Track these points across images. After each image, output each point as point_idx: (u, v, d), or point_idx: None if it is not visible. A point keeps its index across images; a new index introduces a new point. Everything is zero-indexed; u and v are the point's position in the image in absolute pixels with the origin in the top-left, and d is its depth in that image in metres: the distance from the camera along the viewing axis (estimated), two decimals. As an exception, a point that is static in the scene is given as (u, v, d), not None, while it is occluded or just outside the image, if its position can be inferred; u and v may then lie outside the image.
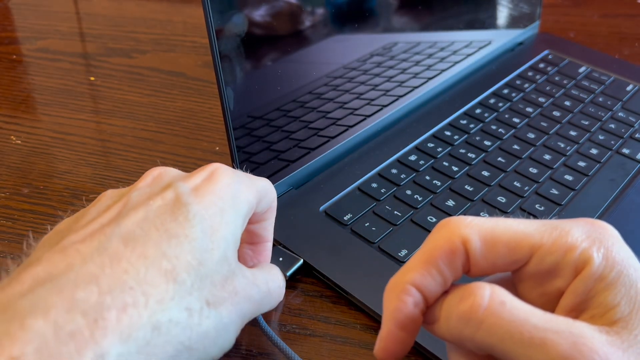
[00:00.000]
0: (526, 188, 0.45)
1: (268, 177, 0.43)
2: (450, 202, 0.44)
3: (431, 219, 0.42)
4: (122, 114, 0.53)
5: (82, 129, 0.51)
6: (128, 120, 0.53)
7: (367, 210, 0.43)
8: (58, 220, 0.42)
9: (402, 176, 0.46)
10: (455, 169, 0.47)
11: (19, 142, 0.49)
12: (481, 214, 0.43)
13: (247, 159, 0.42)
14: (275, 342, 0.34)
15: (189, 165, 0.48)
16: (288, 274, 0.38)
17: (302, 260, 0.39)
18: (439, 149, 0.49)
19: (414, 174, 0.46)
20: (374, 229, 0.41)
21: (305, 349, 0.35)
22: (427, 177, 0.46)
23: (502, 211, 0.43)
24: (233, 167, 0.39)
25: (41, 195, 0.44)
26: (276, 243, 0.40)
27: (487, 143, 0.50)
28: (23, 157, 0.47)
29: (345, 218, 0.42)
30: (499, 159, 0.48)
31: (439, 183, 0.45)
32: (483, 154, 0.49)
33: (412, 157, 0.48)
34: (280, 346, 0.33)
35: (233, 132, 0.39)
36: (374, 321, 0.37)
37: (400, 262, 0.39)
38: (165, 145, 0.50)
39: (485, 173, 0.47)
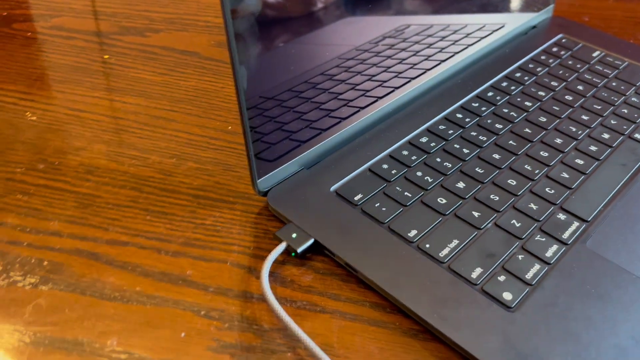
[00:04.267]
0: (537, 171, 0.45)
1: (280, 157, 0.44)
2: (461, 184, 0.44)
3: (441, 200, 0.42)
4: (135, 92, 0.54)
5: (96, 106, 0.52)
6: (142, 98, 0.53)
7: (378, 191, 0.43)
8: (74, 196, 0.43)
9: (413, 158, 0.46)
10: (466, 151, 0.47)
11: (34, 118, 0.50)
12: (491, 196, 0.43)
13: (259, 139, 0.42)
14: (282, 318, 0.34)
15: (201, 143, 0.48)
16: (299, 250, 0.38)
17: (312, 239, 0.39)
18: (450, 132, 0.49)
19: (425, 156, 0.46)
20: (384, 209, 0.41)
21: (315, 325, 0.35)
22: (438, 159, 0.46)
23: (512, 194, 0.43)
24: (246, 146, 0.39)
25: (56, 170, 0.45)
26: (288, 221, 0.40)
27: (498, 126, 0.50)
28: (38, 134, 0.48)
29: (355, 198, 0.42)
30: (510, 142, 0.48)
31: (449, 165, 0.45)
32: (494, 137, 0.49)
33: (423, 139, 0.48)
34: (287, 323, 0.34)
35: (246, 111, 0.39)
36: (382, 299, 0.37)
37: (410, 242, 0.39)
38: (179, 123, 0.50)
39: (496, 156, 0.47)
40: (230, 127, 0.50)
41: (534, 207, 0.42)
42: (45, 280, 0.37)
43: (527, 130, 0.50)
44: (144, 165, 0.46)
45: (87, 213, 0.42)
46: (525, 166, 0.46)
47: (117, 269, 0.38)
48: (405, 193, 0.43)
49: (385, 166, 0.45)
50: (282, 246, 0.39)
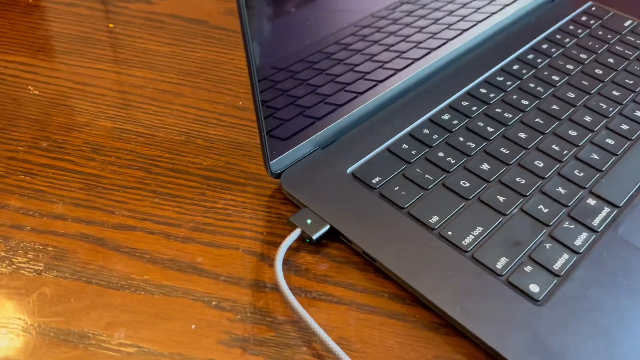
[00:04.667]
0: (565, 152, 0.43)
1: (293, 135, 0.42)
2: (485, 166, 0.41)
3: (464, 183, 0.40)
4: (142, 64, 0.51)
5: (101, 79, 0.49)
6: (148, 70, 0.51)
7: (397, 173, 0.41)
8: (79, 177, 0.41)
9: (434, 137, 0.43)
10: (490, 129, 0.44)
11: (37, 92, 0.48)
12: (517, 179, 0.41)
13: (271, 114, 0.40)
14: (296, 310, 0.33)
15: (211, 120, 0.46)
16: (314, 237, 0.37)
17: (328, 226, 0.37)
18: (474, 108, 0.46)
19: (447, 135, 0.44)
20: (403, 193, 0.39)
21: (331, 318, 0.34)
22: (461, 139, 0.44)
23: (539, 176, 0.41)
24: (257, 123, 0.37)
25: (60, 149, 0.43)
26: (302, 205, 0.38)
27: (524, 102, 0.47)
28: (41, 109, 0.46)
29: (373, 181, 0.40)
30: (537, 120, 0.46)
31: (473, 145, 0.43)
32: (520, 114, 0.46)
33: (445, 117, 0.45)
34: (302, 316, 0.32)
35: (258, 84, 0.37)
36: (402, 289, 0.35)
37: (431, 229, 0.37)
38: (187, 98, 0.48)
39: (522, 135, 0.44)
40: (241, 102, 0.48)
41: (562, 192, 0.40)
42: (49, 268, 0.35)
43: (554, 107, 0.47)
44: (152, 144, 0.44)
45: (93, 195, 0.40)
46: (553, 146, 0.43)
47: (124, 256, 0.36)
48: (426, 175, 0.40)
49: (404, 146, 0.43)
50: (296, 233, 0.37)
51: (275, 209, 0.40)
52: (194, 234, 0.38)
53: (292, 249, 0.37)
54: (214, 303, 0.34)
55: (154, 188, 0.40)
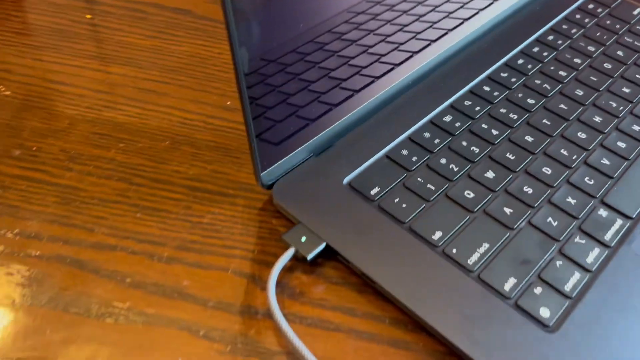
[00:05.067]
0: (574, 157, 0.40)
1: (285, 140, 0.39)
2: (490, 174, 0.39)
3: (468, 194, 0.38)
4: (122, 60, 0.48)
5: (79, 77, 0.46)
6: (129, 67, 0.47)
7: (397, 182, 0.38)
8: (54, 189, 0.38)
9: (436, 141, 0.41)
10: (494, 132, 0.42)
11: (8, 93, 0.44)
12: (524, 188, 0.38)
13: (261, 114, 0.37)
14: (292, 342, 0.30)
15: (197, 123, 0.43)
16: (309, 257, 0.34)
17: (324, 244, 0.35)
18: (477, 108, 0.43)
19: (449, 139, 0.41)
20: (404, 205, 0.37)
21: (328, 347, 0.31)
22: (464, 143, 0.41)
23: (548, 184, 0.38)
24: (247, 130, 0.34)
25: (34, 158, 0.40)
26: (296, 221, 0.36)
27: (530, 101, 0.44)
28: (14, 112, 0.43)
29: (372, 192, 0.37)
30: (544, 121, 0.43)
31: (476, 150, 0.40)
32: (526, 115, 0.43)
33: (447, 118, 0.43)
34: (297, 347, 0.30)
35: (245, 78, 0.33)
36: (403, 314, 0.33)
37: (434, 246, 0.35)
38: (171, 98, 0.45)
39: (528, 138, 0.41)
40: (229, 102, 0.45)
41: (572, 202, 0.38)
42: (23, 295, 0.33)
43: (562, 106, 0.44)
44: (133, 151, 0.41)
45: (70, 210, 0.37)
46: (562, 151, 0.41)
47: (104, 279, 0.34)
48: (428, 185, 0.38)
49: (404, 152, 0.40)
50: (290, 252, 0.34)
51: (267, 223, 0.37)
52: (179, 253, 0.35)
53: (285, 269, 0.35)
54: (201, 333, 0.32)
55: (136, 201, 0.38)
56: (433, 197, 0.37)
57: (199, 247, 0.35)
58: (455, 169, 0.39)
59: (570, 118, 0.43)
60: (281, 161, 0.38)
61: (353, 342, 0.32)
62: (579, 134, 0.42)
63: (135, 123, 0.43)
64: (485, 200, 0.37)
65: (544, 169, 0.40)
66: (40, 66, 0.47)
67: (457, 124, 0.42)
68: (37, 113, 0.43)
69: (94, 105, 0.44)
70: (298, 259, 0.35)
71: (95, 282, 0.33)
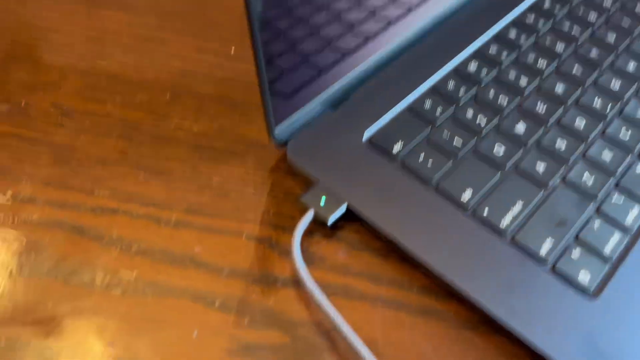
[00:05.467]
0: (608, 108, 0.38)
1: (299, 90, 0.35)
2: (520, 127, 0.36)
3: (498, 150, 0.35)
4: (116, 3, 0.44)
5: (68, 23, 0.42)
6: (123, 11, 0.43)
7: (421, 138, 0.35)
8: (46, 147, 0.35)
9: (461, 92, 0.38)
10: (523, 82, 0.39)
11: (-8, 42, 0.40)
12: (557, 142, 0.35)
13: (273, 63, 0.34)
14: (324, 310, 0.28)
15: (199, 73, 0.39)
16: (330, 220, 0.31)
17: (345, 205, 0.32)
18: (504, 55, 0.40)
19: (475, 89, 0.38)
20: (429, 163, 0.34)
21: (355, 317, 0.29)
22: (491, 94, 0.38)
23: (581, 139, 0.36)
24: (259, 78, 0.31)
25: (23, 113, 0.36)
26: (314, 180, 0.33)
27: (559, 47, 0.41)
28: (-2, 63, 0.39)
29: (394, 149, 0.34)
30: (575, 69, 0.40)
31: (505, 101, 0.37)
32: (555, 62, 0.40)
33: (472, 66, 0.39)
34: (330, 316, 0.28)
35: (258, 22, 0.30)
36: (432, 281, 0.31)
37: (464, 208, 0.32)
38: (170, 46, 0.41)
39: (559, 88, 0.38)
40: (233, 50, 0.41)
41: (608, 157, 0.35)
42: (21, 264, 0.30)
43: (592, 55, 0.41)
44: (132, 105, 0.37)
45: (66, 171, 0.34)
46: (595, 101, 0.38)
47: (107, 247, 0.31)
48: (455, 141, 0.35)
49: (427, 104, 0.37)
50: (309, 215, 0.32)
51: (280, 183, 0.34)
52: (188, 216, 0.32)
53: (303, 233, 0.32)
54: (217, 303, 0.29)
55: (138, 160, 0.35)
56: (460, 154, 0.34)
57: (209, 210, 0.33)
58: (483, 123, 0.36)
59: (603, 66, 0.40)
60: (296, 115, 0.35)
61: (380, 312, 0.30)
62: (612, 83, 0.39)
63: (131, 74, 0.39)
64: (516, 157, 0.35)
65: (577, 121, 0.37)
66: (24, 11, 0.43)
67: (483, 73, 0.39)
68: (24, 64, 0.39)
69: (85, 55, 0.40)
70: (316, 222, 0.32)
71: (97, 250, 0.31)
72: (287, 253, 0.31)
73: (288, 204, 0.33)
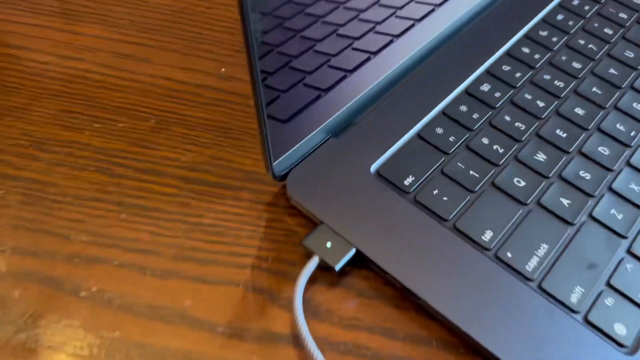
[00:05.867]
0: (632, 133, 0.35)
1: (298, 114, 0.32)
2: (540, 156, 0.33)
3: (518, 182, 0.32)
4: (92, 16, 0.40)
5: (41, 40, 0.38)
6: (101, 26, 0.39)
7: (434, 169, 0.32)
8: (17, 184, 0.31)
9: (475, 116, 0.34)
10: (541, 104, 0.36)
11: (-46, 61, 0.36)
12: (581, 172, 0.32)
13: (271, 88, 0.31)
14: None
15: (187, 95, 0.36)
16: (337, 267, 0.28)
17: (354, 250, 0.29)
18: (517, 75, 0.37)
19: (489, 113, 0.35)
20: (445, 198, 0.31)
21: (367, 381, 0.26)
22: (507, 118, 0.35)
23: (607, 168, 0.33)
24: (256, 107, 0.27)
25: (-10, 144, 0.32)
26: (317, 220, 0.30)
27: (592, 49, 0.38)
28: (-39, 85, 0.35)
29: (405, 182, 0.31)
30: (593, 89, 0.37)
31: (522, 127, 0.34)
32: (573, 83, 0.37)
33: (485, 87, 0.36)
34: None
35: (257, 45, 0.26)
36: (453, 334, 0.28)
37: (485, 248, 0.29)
38: (153, 65, 0.37)
39: (579, 111, 0.36)
40: (224, 69, 0.38)
41: (637, 189, 0.32)
42: (-15, 325, 0.26)
43: (612, 71, 0.38)
44: (112, 133, 0.34)
45: (38, 211, 0.30)
46: (617, 125, 0.35)
47: (86, 303, 0.27)
48: (471, 172, 0.32)
49: (439, 130, 0.34)
50: (314, 261, 0.28)
51: (280, 222, 0.31)
52: (177, 264, 0.29)
53: (307, 282, 0.29)
54: (212, 368, 0.26)
55: (120, 198, 0.31)
56: (478, 187, 0.31)
57: (200, 256, 0.29)
58: (501, 151, 0.33)
59: (622, 86, 0.37)
60: (296, 146, 0.31)
61: (396, 373, 0.26)
62: (634, 103, 0.36)
63: (112, 97, 0.35)
64: (538, 189, 0.32)
65: (600, 149, 0.34)
66: (-9, 26, 0.39)
67: (497, 94, 0.36)
68: (-10, 86, 0.35)
69: (60, 75, 0.36)
70: (321, 268, 0.29)
71: (74, 305, 0.27)
72: (289, 305, 0.28)
73: (289, 247, 0.30)
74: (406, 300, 0.28)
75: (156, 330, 0.27)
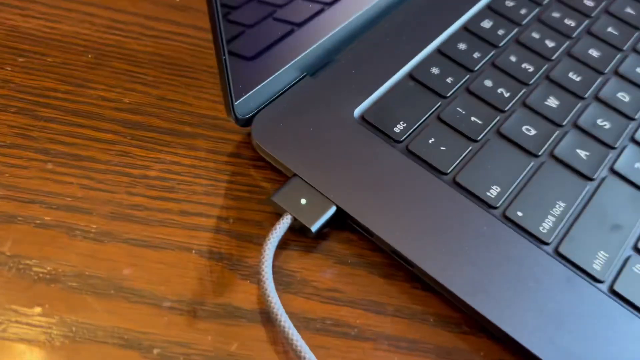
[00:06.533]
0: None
1: (266, 51, 0.26)
2: (552, 102, 0.28)
3: (528, 130, 0.27)
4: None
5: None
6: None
7: (430, 114, 0.27)
8: None
9: (475, 55, 0.29)
10: (551, 45, 0.31)
11: None
12: (598, 121, 0.28)
13: (232, 16, 0.25)
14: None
15: (133, 27, 0.30)
16: (314, 228, 0.23)
17: (334, 208, 0.23)
18: (523, 11, 0.32)
19: (493, 52, 0.30)
20: (442, 148, 0.26)
21: (350, 367, 0.21)
22: (513, 58, 0.30)
23: (628, 117, 0.28)
24: (212, 30, 0.22)
25: None
26: (289, 172, 0.24)
27: (589, 4, 0.33)
28: None
29: (395, 130, 0.26)
30: (609, 29, 0.32)
31: (530, 68, 0.29)
32: (587, 22, 0.32)
33: (486, 23, 0.31)
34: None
35: None
36: (452, 308, 0.23)
37: (491, 207, 0.24)
38: (95, -8, 0.31)
39: (594, 52, 0.31)
40: (178, -1, 0.32)
41: (663, 140, 0.28)
42: None
43: (609, 30, 0.33)
44: (40, 69, 0.28)
45: (-60, 160, 0.24)
46: (638, 70, 0.30)
47: (1, 269, 0.22)
48: (473, 118, 0.27)
49: (435, 70, 0.28)
50: (285, 222, 0.23)
51: (244, 175, 0.25)
52: (114, 225, 0.23)
53: (276, 247, 0.23)
54: (156, 351, 0.20)
55: (46, 145, 0.25)
56: (481, 136, 0.26)
57: (144, 215, 0.23)
58: (506, 95, 0.28)
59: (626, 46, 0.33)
60: (263, 83, 0.26)
61: (385, 356, 0.21)
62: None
63: (41, 28, 0.29)
64: (551, 139, 0.27)
65: (619, 95, 0.29)
66: None
67: (500, 32, 0.31)
68: None
69: (-23, 1, 0.30)
70: (294, 230, 0.24)
71: (-19, 275, 0.21)
72: (253, 275, 0.23)
73: (254, 205, 0.24)
74: (397, 268, 0.23)
75: (87, 305, 0.21)
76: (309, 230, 0.23)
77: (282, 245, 0.24)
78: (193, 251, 0.23)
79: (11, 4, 0.30)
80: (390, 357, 0.21)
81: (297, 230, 0.24)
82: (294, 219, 0.23)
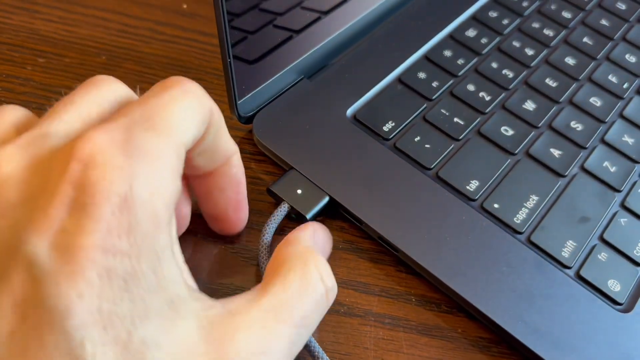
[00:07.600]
0: (625, 85, 0.33)
1: (268, 55, 0.29)
2: (529, 105, 0.31)
3: (506, 130, 0.29)
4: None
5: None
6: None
7: (416, 115, 0.29)
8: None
9: (460, 61, 0.32)
10: (530, 53, 0.33)
11: None
12: (572, 124, 0.30)
13: (237, 22, 0.27)
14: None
15: (143, 32, 0.32)
16: (309, 216, 0.25)
17: (327, 198, 0.26)
18: (505, 21, 0.35)
19: (476, 59, 0.32)
20: (427, 145, 0.28)
21: (340, 338, 0.23)
22: (494, 65, 0.32)
23: (600, 120, 0.31)
24: (220, 38, 0.24)
25: None
26: (287, 166, 0.27)
27: (566, 16, 0.36)
28: None
29: (384, 128, 0.28)
30: (584, 39, 0.35)
31: (510, 74, 0.32)
32: (565, 32, 0.35)
33: (471, 32, 0.33)
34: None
35: None
36: (434, 289, 0.25)
37: (470, 199, 0.26)
38: (106, 0, 0.34)
39: (570, 60, 0.33)
40: (185, 6, 0.34)
41: (630, 141, 0.30)
42: None
43: (603, 22, 0.36)
44: (58, 69, 0.30)
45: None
46: (610, 77, 0.33)
47: None
48: (455, 119, 0.29)
49: (421, 75, 0.31)
50: (283, 209, 0.25)
51: (245, 169, 0.27)
52: (128, 211, 0.25)
53: (274, 233, 0.26)
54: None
55: (64, 138, 0.27)
56: (462, 135, 0.29)
57: (154, 202, 0.26)
58: (487, 98, 0.30)
59: (614, 37, 0.35)
60: (264, 84, 0.28)
61: (371, 331, 0.24)
62: (626, 55, 0.34)
63: (58, 30, 0.32)
64: (527, 139, 0.29)
65: (592, 99, 0.32)
66: None
67: (483, 40, 0.33)
68: None
69: (1, 7, 0.32)
70: (291, 218, 0.26)
71: None
72: (254, 258, 0.25)
73: (254, 195, 0.27)
74: (383, 253, 0.26)
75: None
76: (305, 217, 0.25)
77: (280, 231, 0.26)
78: (198, 235, 0.25)
79: (32, 9, 0.32)
80: (376, 332, 0.24)
81: (294, 219, 0.26)
82: (291, 208, 0.25)
